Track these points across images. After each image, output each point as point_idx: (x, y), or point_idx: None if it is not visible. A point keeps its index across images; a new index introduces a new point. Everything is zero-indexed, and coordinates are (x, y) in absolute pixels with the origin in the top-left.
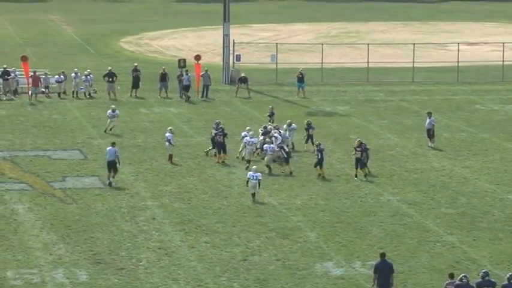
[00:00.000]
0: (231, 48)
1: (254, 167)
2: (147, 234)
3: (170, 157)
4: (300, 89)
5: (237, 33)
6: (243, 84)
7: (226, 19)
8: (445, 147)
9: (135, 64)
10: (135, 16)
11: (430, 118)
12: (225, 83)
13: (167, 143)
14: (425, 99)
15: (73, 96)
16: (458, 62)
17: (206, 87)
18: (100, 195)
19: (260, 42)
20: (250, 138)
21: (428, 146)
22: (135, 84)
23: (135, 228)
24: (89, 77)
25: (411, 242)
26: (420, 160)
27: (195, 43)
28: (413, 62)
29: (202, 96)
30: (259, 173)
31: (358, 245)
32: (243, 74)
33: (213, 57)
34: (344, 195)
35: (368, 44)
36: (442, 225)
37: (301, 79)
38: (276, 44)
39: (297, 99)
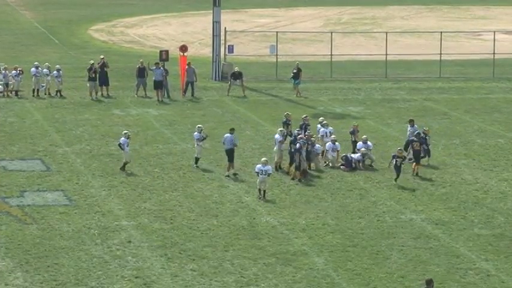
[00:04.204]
0: (222, 37)
1: (264, 159)
2: (122, 260)
3: (124, 165)
4: (295, 86)
5: (230, 19)
6: (236, 80)
7: (216, 3)
8: (479, 156)
9: (102, 57)
10: None
11: (412, 127)
12: (215, 79)
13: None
14: (455, 98)
15: (33, 96)
16: (494, 54)
17: (190, 84)
18: (65, 213)
19: (257, 31)
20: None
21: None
22: (103, 81)
23: (107, 253)
24: (61, 71)
25: (438, 270)
26: (449, 171)
27: (180, 31)
28: (441, 54)
29: (184, 94)
30: (269, 166)
31: (375, 273)
32: (236, 69)
33: (200, 49)
34: (358, 213)
35: (386, 33)
36: (475, 249)
37: (296, 75)
38: (276, 32)
39: (301, 99)
